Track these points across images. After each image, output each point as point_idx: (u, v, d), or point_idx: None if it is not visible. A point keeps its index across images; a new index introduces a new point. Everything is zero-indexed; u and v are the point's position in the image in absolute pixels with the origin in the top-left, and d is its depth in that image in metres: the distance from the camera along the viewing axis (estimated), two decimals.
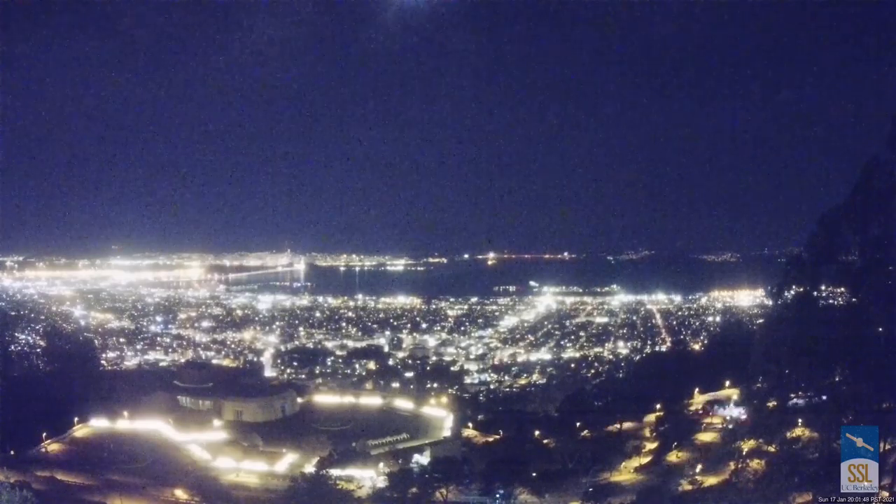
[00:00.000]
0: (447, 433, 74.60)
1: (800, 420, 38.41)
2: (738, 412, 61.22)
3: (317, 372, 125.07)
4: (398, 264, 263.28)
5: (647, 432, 71.73)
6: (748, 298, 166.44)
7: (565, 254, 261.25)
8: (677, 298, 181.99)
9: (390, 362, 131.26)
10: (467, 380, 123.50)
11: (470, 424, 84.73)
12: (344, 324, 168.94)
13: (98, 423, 71.53)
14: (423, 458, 64.06)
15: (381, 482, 57.28)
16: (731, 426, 61.02)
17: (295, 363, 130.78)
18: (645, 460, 64.08)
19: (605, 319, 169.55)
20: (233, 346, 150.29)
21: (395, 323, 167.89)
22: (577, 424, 77.38)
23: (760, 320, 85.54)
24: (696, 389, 78.91)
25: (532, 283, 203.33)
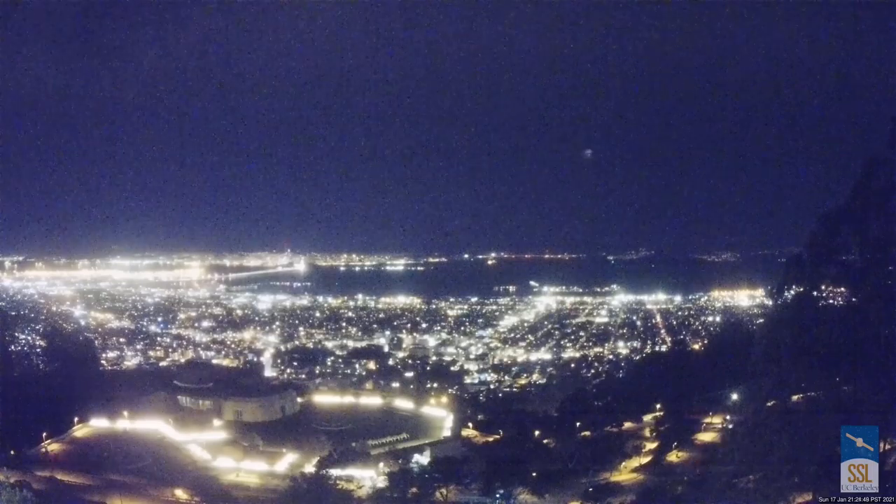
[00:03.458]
0: (447, 433, 74.63)
1: (800, 420, 38.34)
2: (738, 412, 61.16)
3: (317, 372, 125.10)
4: (398, 264, 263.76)
5: (647, 432, 71.73)
6: (748, 298, 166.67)
7: (565, 254, 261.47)
8: (677, 298, 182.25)
9: (390, 362, 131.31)
10: (467, 380, 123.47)
11: (470, 424, 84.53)
12: (344, 324, 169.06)
13: (98, 423, 71.57)
14: (423, 458, 63.99)
15: (381, 482, 57.31)
16: (730, 426, 60.99)
17: (295, 363, 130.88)
18: (645, 460, 64.05)
19: (604, 319, 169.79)
20: (233, 346, 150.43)
21: (395, 323, 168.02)
22: (577, 424, 77.16)
23: (760, 320, 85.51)
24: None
25: (532, 283, 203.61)
